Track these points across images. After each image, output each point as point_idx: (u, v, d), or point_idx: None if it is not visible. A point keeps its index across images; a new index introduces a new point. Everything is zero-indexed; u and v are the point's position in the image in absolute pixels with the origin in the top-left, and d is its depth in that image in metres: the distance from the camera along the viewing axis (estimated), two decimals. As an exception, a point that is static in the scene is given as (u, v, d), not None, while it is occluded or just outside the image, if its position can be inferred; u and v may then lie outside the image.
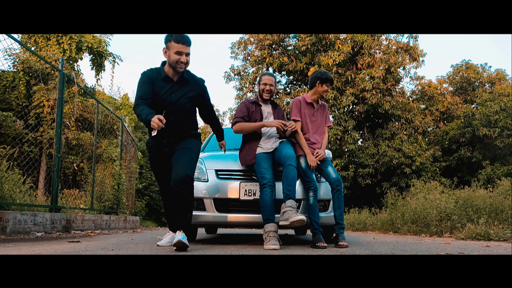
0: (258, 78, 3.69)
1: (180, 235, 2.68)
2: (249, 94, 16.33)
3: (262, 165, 3.20)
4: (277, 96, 15.94)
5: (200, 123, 24.66)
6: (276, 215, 3.10)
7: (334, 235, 3.30)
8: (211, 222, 3.36)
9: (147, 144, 3.11)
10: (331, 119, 3.93)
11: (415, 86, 17.47)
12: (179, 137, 2.96)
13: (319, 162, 3.42)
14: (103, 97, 13.20)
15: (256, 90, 15.59)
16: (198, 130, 3.13)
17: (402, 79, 15.41)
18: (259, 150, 3.35)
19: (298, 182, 3.40)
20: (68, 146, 9.20)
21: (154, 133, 2.56)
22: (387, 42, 15.21)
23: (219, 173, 3.41)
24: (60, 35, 10.26)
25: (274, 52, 16.33)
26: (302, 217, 2.88)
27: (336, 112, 14.54)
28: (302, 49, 14.95)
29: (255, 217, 3.24)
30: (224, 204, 3.31)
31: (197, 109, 3.14)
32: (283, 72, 16.52)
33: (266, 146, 3.37)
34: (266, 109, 3.56)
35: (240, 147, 3.50)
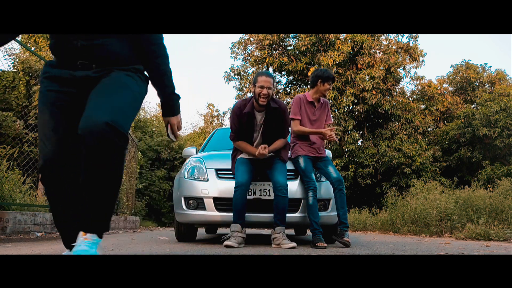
0: (253, 78, 3.23)
1: (84, 242, 1.50)
2: (249, 95, 16.32)
3: (239, 168, 3.17)
4: (277, 96, 15.94)
5: (200, 123, 24.54)
6: (266, 214, 3.17)
7: (338, 232, 3.33)
8: (211, 222, 3.36)
9: (44, 72, 1.72)
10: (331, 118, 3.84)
11: (415, 86, 17.47)
12: (105, 61, 1.67)
13: (335, 137, 3.42)
14: (103, 97, 13.15)
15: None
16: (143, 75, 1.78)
17: (402, 79, 15.40)
18: (240, 156, 3.33)
19: (297, 182, 3.40)
20: (68, 146, 9.18)
21: None
22: (387, 42, 15.22)
23: (219, 172, 3.41)
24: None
25: (274, 52, 16.33)
26: (293, 244, 2.96)
27: (336, 112, 14.54)
28: (302, 49, 14.95)
29: (255, 216, 3.25)
30: (224, 203, 3.31)
31: None
32: (283, 72, 16.53)
33: (249, 155, 3.33)
34: (259, 117, 3.28)
35: (231, 156, 3.46)
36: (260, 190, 3.27)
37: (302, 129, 3.46)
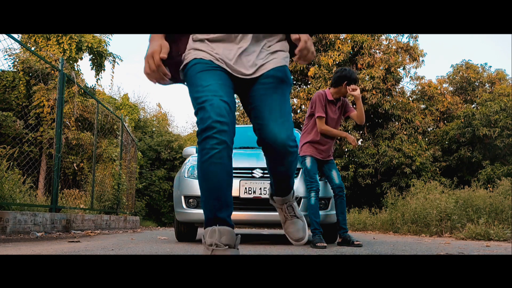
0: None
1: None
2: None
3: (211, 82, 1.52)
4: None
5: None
6: (267, 213, 3.13)
7: (340, 239, 3.35)
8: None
9: None
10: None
11: (415, 86, 17.47)
12: None
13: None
14: (103, 97, 13.20)
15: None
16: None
17: (402, 79, 15.41)
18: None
19: (297, 180, 3.40)
20: (68, 146, 9.20)
21: None
22: (387, 42, 15.22)
23: (219, 172, 3.41)
24: (60, 35, 10.26)
25: (274, 52, 16.32)
26: (305, 239, 2.02)
27: (336, 112, 14.56)
28: (302, 49, 14.95)
29: (255, 215, 3.24)
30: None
31: None
32: (283, 72, 16.52)
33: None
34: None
35: None
36: (260, 188, 3.26)
37: (329, 129, 3.39)
